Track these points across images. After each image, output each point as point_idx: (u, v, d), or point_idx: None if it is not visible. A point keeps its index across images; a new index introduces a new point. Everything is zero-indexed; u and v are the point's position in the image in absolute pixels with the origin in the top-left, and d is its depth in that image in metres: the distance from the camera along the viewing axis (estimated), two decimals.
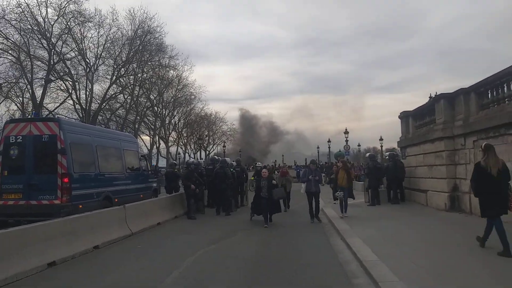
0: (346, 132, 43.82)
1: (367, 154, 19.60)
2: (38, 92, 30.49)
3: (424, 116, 15.91)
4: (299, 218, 13.07)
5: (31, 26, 28.52)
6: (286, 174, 16.27)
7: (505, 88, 10.66)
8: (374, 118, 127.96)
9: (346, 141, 43.93)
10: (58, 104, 32.87)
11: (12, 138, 10.70)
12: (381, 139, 47.54)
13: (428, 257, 6.99)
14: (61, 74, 32.00)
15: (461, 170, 12.38)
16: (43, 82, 29.90)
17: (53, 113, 31.09)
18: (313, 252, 8.29)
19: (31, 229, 7.24)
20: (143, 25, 34.92)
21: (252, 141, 76.72)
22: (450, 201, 12.62)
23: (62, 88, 33.02)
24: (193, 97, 47.18)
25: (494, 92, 11.21)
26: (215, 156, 22.23)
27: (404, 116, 18.15)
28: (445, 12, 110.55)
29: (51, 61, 30.12)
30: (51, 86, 31.45)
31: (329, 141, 53.48)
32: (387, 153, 19.15)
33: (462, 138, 12.24)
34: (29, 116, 25.04)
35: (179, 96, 45.85)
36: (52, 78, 30.71)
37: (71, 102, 33.33)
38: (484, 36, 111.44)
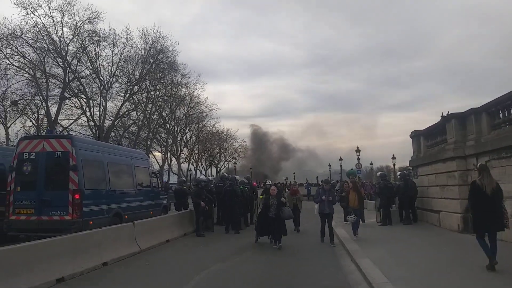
0: (358, 151, 43.69)
1: (378, 173, 19.38)
2: (53, 109, 31.26)
3: (435, 136, 15.78)
4: (308, 238, 12.90)
5: (47, 45, 29.39)
6: (297, 192, 15.47)
7: None
8: (386, 136, 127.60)
9: (358, 159, 43.78)
10: (72, 121, 33.64)
11: (26, 154, 10.89)
12: (393, 158, 47.23)
13: (439, 280, 6.86)
14: (76, 91, 32.72)
15: None
16: (58, 99, 30.54)
17: (67, 129, 31.66)
18: (323, 272, 8.18)
19: (40, 245, 7.31)
20: (156, 44, 35.73)
21: (264, 158, 76.84)
22: (463, 222, 12.37)
23: (76, 105, 33.77)
24: (204, 114, 47.82)
25: (506, 112, 11.10)
26: (225, 174, 22.26)
27: (416, 135, 18.03)
28: (456, 32, 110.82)
29: (66, 79, 30.87)
30: (65, 103, 32.12)
31: (340, 159, 53.25)
32: (399, 172, 18.95)
33: (474, 158, 12.08)
34: (43, 133, 25.52)
35: (191, 113, 46.42)
36: (67, 95, 31.38)
37: (85, 119, 34.02)
38: (496, 56, 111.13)
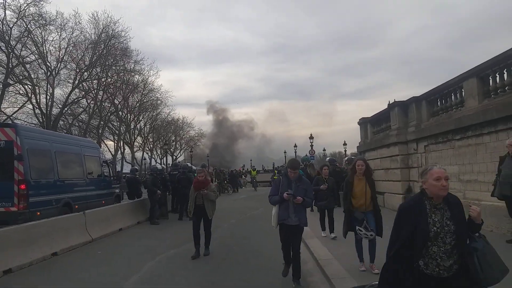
0: (311, 137, 44.75)
1: (327, 159, 20.13)
2: None
3: (381, 123, 16.63)
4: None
5: None
6: (204, 186, 8.37)
7: (452, 97, 11.39)
8: (341, 123, 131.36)
9: (311, 145, 44.84)
10: (16, 109, 31.85)
11: None
12: (345, 144, 48.95)
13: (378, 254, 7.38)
14: (20, 77, 31.00)
15: (414, 173, 13.04)
16: (1, 86, 28.84)
17: (11, 118, 30.03)
18: (274, 253, 8.48)
19: None
20: (107, 29, 34.55)
21: (222, 140, 76.01)
22: None
23: (21, 92, 31.98)
24: (159, 102, 46.90)
25: (443, 101, 11.94)
26: (177, 162, 22.19)
27: (363, 122, 18.87)
28: (408, 23, 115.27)
29: (10, 64, 29.13)
30: (9, 90, 30.36)
31: (295, 146, 54.27)
32: (346, 157, 19.79)
33: (415, 143, 12.91)
34: None
35: (144, 101, 45.38)
36: (11, 81, 29.66)
37: (30, 106, 32.36)
38: (445, 46, 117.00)
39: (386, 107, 16.13)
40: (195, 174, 15.15)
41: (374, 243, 6.37)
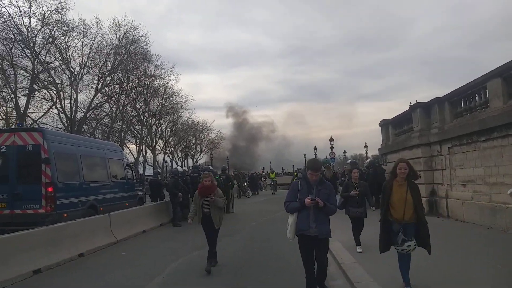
0: (332, 140, 44.46)
1: (349, 161, 19.97)
2: (22, 102, 30.36)
3: (402, 124, 16.41)
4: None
5: (14, 36, 28.39)
6: (211, 191, 7.56)
7: (476, 98, 11.17)
8: (361, 125, 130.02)
9: (332, 148, 44.54)
10: (42, 114, 32.79)
11: None
12: (366, 146, 48.45)
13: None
14: (45, 83, 31.91)
15: (438, 175, 12.82)
16: (27, 92, 29.75)
17: (37, 122, 30.91)
18: (294, 255, 8.48)
19: (14, 237, 7.37)
20: (128, 34, 35.25)
21: (242, 143, 75.94)
22: (428, 205, 13.02)
23: (46, 97, 32.95)
24: (179, 105, 47.50)
25: (466, 101, 11.72)
26: (198, 164, 22.37)
27: (384, 124, 18.66)
28: (428, 23, 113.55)
29: (35, 70, 30.01)
30: (35, 95, 31.32)
31: (315, 148, 53.98)
32: (367, 160, 19.60)
33: (438, 145, 12.69)
34: (13, 126, 24.91)
35: (165, 104, 46.03)
36: (36, 87, 30.56)
37: (55, 111, 33.28)
38: (465, 45, 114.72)
39: (408, 108, 15.92)
40: (217, 177, 15.52)
41: (409, 257, 5.56)
